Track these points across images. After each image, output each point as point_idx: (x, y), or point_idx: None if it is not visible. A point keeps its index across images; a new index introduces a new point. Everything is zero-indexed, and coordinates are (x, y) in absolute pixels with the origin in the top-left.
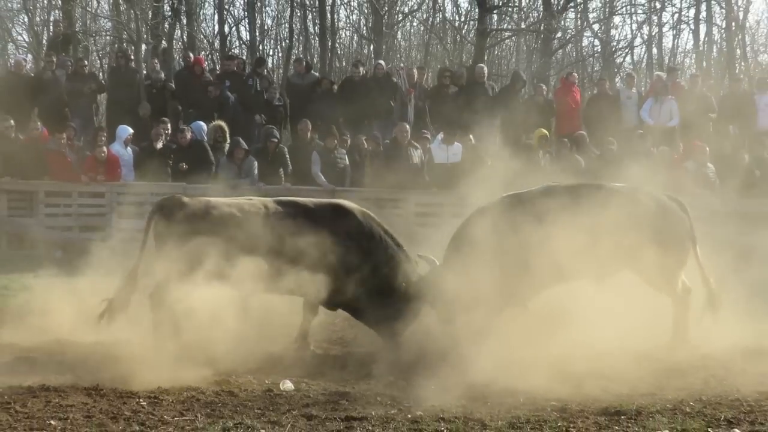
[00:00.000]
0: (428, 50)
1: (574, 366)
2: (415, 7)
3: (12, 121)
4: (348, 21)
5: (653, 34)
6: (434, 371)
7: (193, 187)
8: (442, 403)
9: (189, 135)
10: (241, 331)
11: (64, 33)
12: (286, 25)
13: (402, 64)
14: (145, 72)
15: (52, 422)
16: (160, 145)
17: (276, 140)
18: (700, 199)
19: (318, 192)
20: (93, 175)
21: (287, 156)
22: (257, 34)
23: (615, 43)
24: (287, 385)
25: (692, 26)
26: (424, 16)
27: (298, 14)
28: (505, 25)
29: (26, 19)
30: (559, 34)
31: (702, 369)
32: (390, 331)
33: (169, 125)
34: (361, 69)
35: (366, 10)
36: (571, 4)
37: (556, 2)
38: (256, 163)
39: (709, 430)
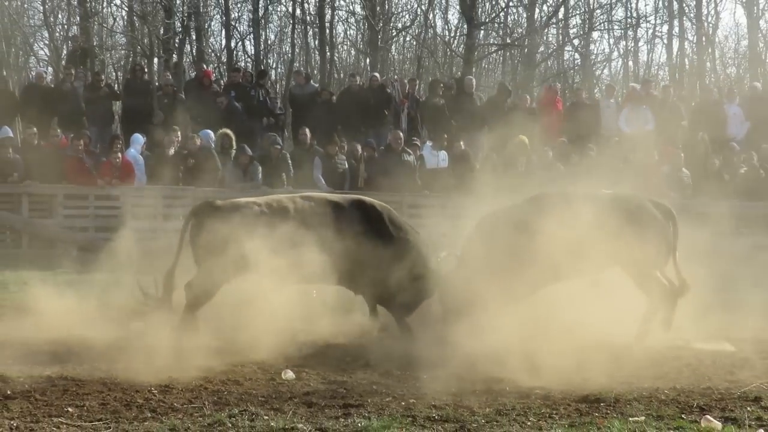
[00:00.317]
0: (420, 63)
1: (556, 357)
2: (408, 24)
3: (35, 129)
4: (346, 36)
5: (629, 48)
6: (427, 362)
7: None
8: (433, 391)
9: (198, 141)
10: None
11: (82, 47)
12: (289, 40)
13: (396, 77)
14: (157, 83)
15: (70, 409)
16: (171, 151)
17: (279, 147)
18: (674, 201)
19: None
20: (108, 179)
21: (289, 161)
22: (261, 48)
23: (594, 57)
24: (289, 374)
25: (665, 41)
26: (417, 31)
27: (300, 30)
28: (492, 40)
29: (47, 35)
30: (541, 49)
31: (676, 359)
32: (406, 315)
33: (179, 133)
34: (358, 79)
35: (362, 26)
36: (553, 20)
37: (539, 19)
38: (260, 168)
39: (682, 416)
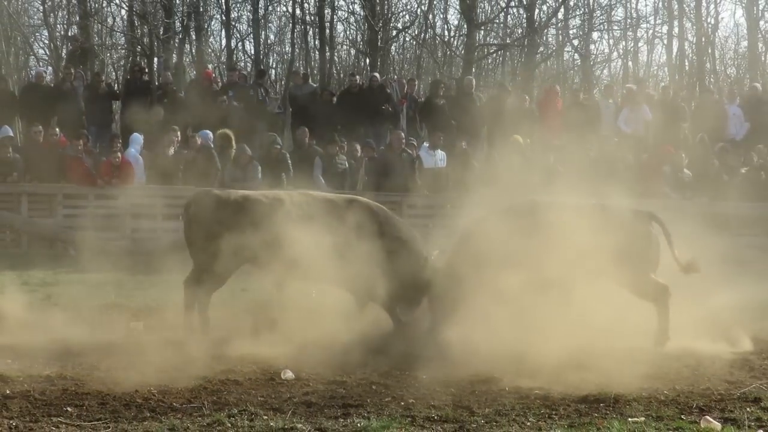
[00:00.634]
0: (420, 64)
1: (556, 358)
2: (408, 24)
3: (40, 128)
4: (345, 36)
5: (629, 48)
6: (426, 362)
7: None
8: (432, 391)
9: (199, 140)
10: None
11: (82, 47)
12: (288, 40)
13: (395, 77)
14: (157, 83)
15: (69, 409)
16: (171, 151)
17: (278, 146)
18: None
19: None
20: (108, 179)
21: (289, 161)
22: (261, 48)
23: (594, 57)
24: (288, 374)
25: (665, 42)
26: (416, 31)
27: (299, 30)
28: (492, 40)
29: (46, 34)
30: (541, 49)
31: (675, 360)
32: (400, 313)
33: (179, 133)
34: (357, 78)
35: (362, 26)
36: (553, 21)
37: (538, 19)
38: (259, 168)
39: (682, 416)
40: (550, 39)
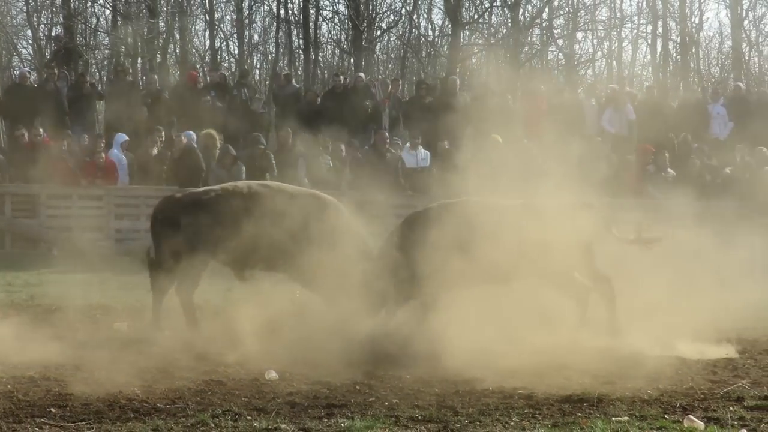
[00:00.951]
0: (404, 63)
1: (540, 357)
2: (393, 23)
3: (24, 130)
4: (330, 36)
5: (613, 48)
6: (410, 362)
7: None
8: (416, 391)
9: (184, 140)
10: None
11: (66, 47)
12: (272, 40)
13: (379, 76)
14: (141, 84)
15: (53, 410)
16: (155, 151)
17: (262, 147)
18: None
19: None
20: (91, 179)
21: (273, 161)
22: (245, 48)
23: (578, 57)
24: (272, 374)
25: (649, 41)
26: (401, 31)
27: (284, 30)
28: (476, 40)
29: (30, 34)
30: (526, 49)
31: (658, 359)
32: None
33: (163, 133)
34: (341, 78)
35: (347, 26)
36: (537, 20)
37: (523, 19)
38: (243, 168)
39: (665, 416)
40: (534, 39)
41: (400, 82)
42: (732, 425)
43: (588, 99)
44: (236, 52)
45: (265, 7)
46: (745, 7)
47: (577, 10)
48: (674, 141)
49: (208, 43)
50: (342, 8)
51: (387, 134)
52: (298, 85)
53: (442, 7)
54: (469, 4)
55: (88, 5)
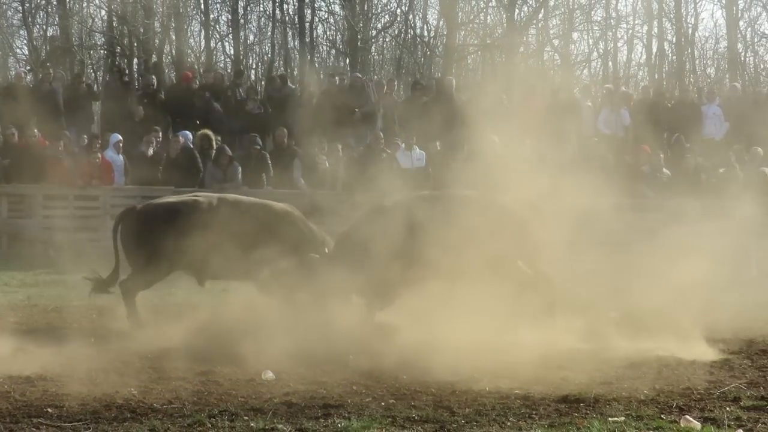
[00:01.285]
0: (400, 64)
1: (535, 358)
2: (388, 24)
3: (14, 129)
4: (325, 36)
5: (609, 48)
6: (406, 362)
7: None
8: (413, 392)
9: (181, 140)
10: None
11: (61, 47)
12: (268, 41)
13: (375, 77)
14: (137, 84)
15: (49, 410)
16: (151, 152)
17: (258, 147)
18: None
19: (298, 195)
20: (88, 179)
21: (269, 162)
22: (241, 48)
23: (573, 57)
24: (269, 375)
25: (645, 41)
26: (396, 32)
27: (279, 30)
28: (472, 40)
29: (26, 35)
30: (521, 49)
31: (655, 360)
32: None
33: (160, 133)
34: (337, 79)
35: (342, 27)
36: (533, 21)
37: (518, 19)
38: (240, 169)
39: (661, 416)
40: (530, 39)
41: (396, 83)
42: (728, 425)
43: (584, 99)
44: (232, 52)
45: (261, 7)
46: (740, 7)
47: (573, 11)
48: (668, 141)
49: (203, 43)
50: (338, 9)
51: (381, 135)
52: (293, 86)
53: (437, 8)
54: (464, 4)
55: (84, 5)
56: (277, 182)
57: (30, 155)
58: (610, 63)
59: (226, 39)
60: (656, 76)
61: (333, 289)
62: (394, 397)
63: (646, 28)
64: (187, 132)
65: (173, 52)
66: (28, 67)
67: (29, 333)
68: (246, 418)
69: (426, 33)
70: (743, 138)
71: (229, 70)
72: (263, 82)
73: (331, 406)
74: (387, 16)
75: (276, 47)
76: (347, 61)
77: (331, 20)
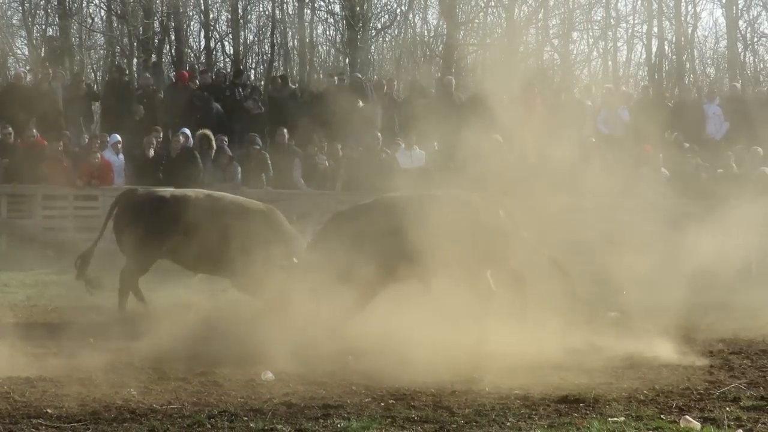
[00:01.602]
0: (399, 63)
1: (536, 358)
2: (388, 24)
3: (10, 129)
4: (325, 36)
5: (609, 48)
6: (406, 363)
7: None
8: (412, 392)
9: (182, 139)
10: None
11: (60, 47)
12: (268, 41)
13: (375, 76)
14: (137, 83)
15: (49, 410)
16: (151, 152)
17: (258, 147)
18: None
19: (297, 195)
20: (87, 179)
21: (269, 162)
22: (241, 48)
23: (573, 57)
24: (268, 375)
25: (644, 41)
26: (396, 31)
27: (279, 30)
28: (471, 40)
29: (25, 35)
30: (521, 49)
31: (654, 360)
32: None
33: (161, 134)
34: (336, 79)
35: (341, 27)
36: (533, 20)
37: (518, 19)
38: (239, 169)
39: (661, 416)
40: (530, 39)
41: (395, 83)
42: (728, 426)
43: (583, 99)
44: (231, 52)
45: (260, 7)
46: (740, 7)
47: (573, 10)
48: (668, 141)
49: (203, 43)
50: (337, 9)
51: (380, 135)
52: (294, 86)
53: (437, 7)
54: (464, 3)
55: (83, 5)
56: (277, 182)
57: (30, 155)
58: (610, 62)
59: (226, 39)
60: (656, 76)
61: (301, 294)
62: (393, 397)
63: (645, 27)
64: (186, 130)
65: (173, 52)
66: (27, 67)
67: (29, 333)
68: (245, 418)
69: (426, 33)
70: (743, 138)
71: (229, 70)
72: (263, 82)
73: (331, 406)
74: (386, 16)
75: (275, 47)
76: (347, 61)
77: (331, 20)
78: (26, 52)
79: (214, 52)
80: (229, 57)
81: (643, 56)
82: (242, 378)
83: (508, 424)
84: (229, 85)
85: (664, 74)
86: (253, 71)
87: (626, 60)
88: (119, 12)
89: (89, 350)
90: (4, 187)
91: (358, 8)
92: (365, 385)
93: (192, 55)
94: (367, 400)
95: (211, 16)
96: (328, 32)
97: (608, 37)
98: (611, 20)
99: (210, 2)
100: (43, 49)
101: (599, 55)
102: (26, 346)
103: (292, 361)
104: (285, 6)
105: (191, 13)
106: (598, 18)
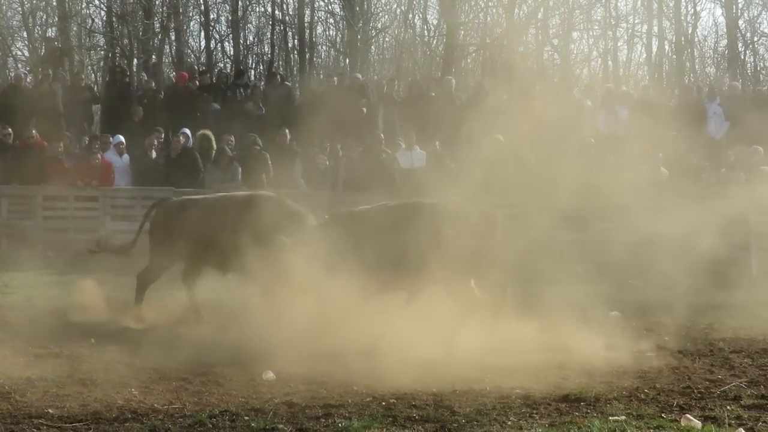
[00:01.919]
0: (399, 64)
1: (535, 357)
2: (388, 24)
3: (10, 130)
4: (325, 36)
5: (609, 48)
6: (407, 362)
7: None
8: (413, 391)
9: (182, 139)
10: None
11: (60, 48)
12: (268, 41)
13: (375, 77)
14: (137, 84)
15: (50, 410)
16: (153, 152)
17: (258, 147)
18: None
19: (297, 195)
20: (88, 180)
21: (269, 162)
22: (241, 49)
23: (573, 57)
24: (269, 375)
25: (645, 40)
26: (396, 31)
27: (279, 30)
28: (471, 40)
29: (25, 36)
30: (521, 49)
31: (655, 359)
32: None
33: (162, 134)
34: (335, 79)
35: (341, 27)
36: (533, 20)
37: (518, 19)
38: (240, 169)
39: (662, 415)
40: (529, 38)
41: (396, 83)
42: (729, 424)
43: (584, 99)
44: (231, 52)
45: (260, 7)
46: (739, 6)
47: (573, 10)
48: (668, 141)
49: (203, 44)
50: (337, 9)
51: (381, 135)
52: (293, 85)
53: (437, 7)
54: (464, 3)
55: (83, 6)
56: (277, 182)
57: (30, 156)
58: (610, 62)
59: (226, 39)
60: (656, 76)
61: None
62: (394, 396)
63: (645, 27)
64: (186, 130)
65: (173, 52)
66: (27, 68)
67: (29, 334)
68: (247, 418)
69: (426, 33)
70: (743, 137)
71: (229, 70)
72: (263, 83)
73: (332, 405)
74: (386, 16)
75: (275, 47)
76: (347, 61)
77: (331, 20)
78: (26, 54)
79: (214, 53)
80: (229, 57)
81: (643, 56)
82: (243, 377)
83: (509, 423)
84: (231, 86)
85: (664, 74)
86: (253, 72)
87: (626, 60)
88: (119, 13)
89: (90, 350)
90: (5, 188)
91: (358, 8)
92: (366, 384)
93: (192, 55)
94: (368, 399)
95: (211, 16)
96: (328, 32)
97: (608, 36)
98: (611, 20)
99: (210, 2)
100: (42, 49)
101: (599, 55)
102: (27, 347)
103: (293, 360)
104: (285, 6)
105: (191, 14)
106: (598, 18)
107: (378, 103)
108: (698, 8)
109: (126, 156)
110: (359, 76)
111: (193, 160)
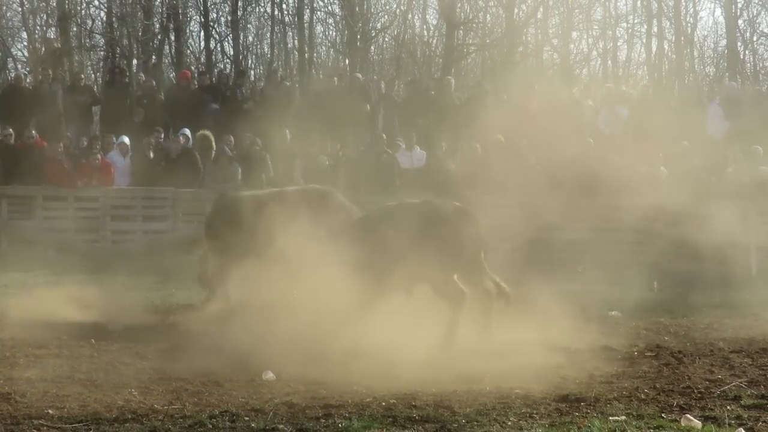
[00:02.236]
0: (399, 64)
1: (534, 357)
2: (387, 24)
3: (11, 130)
4: (324, 36)
5: (608, 47)
6: (406, 362)
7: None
8: (413, 391)
9: (182, 140)
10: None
11: (60, 48)
12: (267, 41)
13: (375, 77)
14: (136, 85)
15: (50, 411)
16: (152, 152)
17: (258, 147)
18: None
19: None
20: (88, 180)
21: (269, 162)
22: (240, 49)
23: (573, 57)
24: (269, 375)
25: (644, 40)
26: (395, 32)
27: (279, 31)
28: (471, 40)
29: (25, 36)
30: (520, 49)
31: (655, 359)
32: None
33: (162, 134)
34: (335, 79)
35: (341, 27)
36: (532, 20)
37: (518, 19)
38: (240, 169)
39: (662, 415)
40: (529, 38)
41: (395, 83)
42: (729, 424)
43: (583, 99)
44: (231, 53)
45: (260, 8)
46: (739, 6)
47: (572, 10)
48: (667, 140)
49: (203, 44)
50: (337, 9)
51: (383, 135)
52: (293, 85)
53: (436, 8)
54: (463, 4)
55: (83, 6)
56: (277, 182)
57: (30, 156)
58: (610, 62)
59: (226, 39)
60: (656, 75)
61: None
62: (394, 396)
63: (645, 26)
64: (186, 130)
65: (173, 53)
66: (27, 69)
67: (30, 334)
68: (247, 418)
69: (425, 33)
70: (743, 137)
71: (229, 71)
72: (263, 83)
73: (332, 406)
74: (386, 16)
75: (275, 48)
76: (346, 61)
77: (331, 21)
78: (26, 54)
79: (214, 53)
80: (229, 58)
81: (643, 55)
82: (243, 378)
83: (509, 423)
84: (231, 86)
85: (664, 73)
86: (252, 72)
87: (626, 59)
88: (119, 13)
89: (90, 350)
90: (5, 189)
91: (357, 8)
92: (366, 384)
93: (192, 55)
94: (368, 399)
95: (211, 16)
96: (327, 32)
97: (608, 36)
98: (611, 20)
99: (209, 3)
100: (42, 50)
101: (599, 55)
102: (27, 347)
103: (293, 360)
104: (285, 6)
105: (191, 14)
106: (598, 17)
107: (378, 103)
108: (698, 8)
109: (125, 155)
110: (359, 76)
111: (193, 160)
